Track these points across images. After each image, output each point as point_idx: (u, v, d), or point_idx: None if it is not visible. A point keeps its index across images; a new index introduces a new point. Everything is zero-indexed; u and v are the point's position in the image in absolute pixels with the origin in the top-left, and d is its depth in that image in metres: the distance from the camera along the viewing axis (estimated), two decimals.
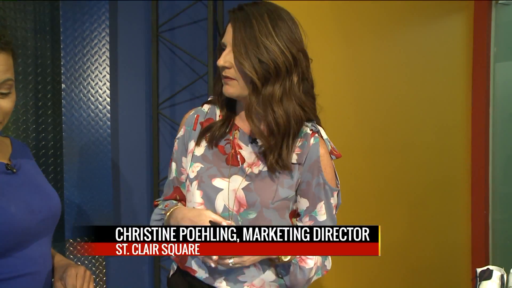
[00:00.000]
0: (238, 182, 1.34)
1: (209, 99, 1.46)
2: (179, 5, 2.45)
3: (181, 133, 1.43)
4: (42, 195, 1.19)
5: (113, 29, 2.34)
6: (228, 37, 1.29)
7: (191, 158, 1.38)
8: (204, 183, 1.34)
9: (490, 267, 1.44)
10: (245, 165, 1.35)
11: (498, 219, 3.72)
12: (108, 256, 2.37)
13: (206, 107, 1.44)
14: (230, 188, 1.33)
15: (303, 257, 1.34)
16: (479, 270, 1.45)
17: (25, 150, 1.28)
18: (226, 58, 1.29)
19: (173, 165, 1.45)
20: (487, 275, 1.41)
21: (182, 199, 1.44)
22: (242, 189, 1.33)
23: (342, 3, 2.93)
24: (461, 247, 3.83)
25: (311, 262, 1.36)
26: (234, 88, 1.31)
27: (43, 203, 1.17)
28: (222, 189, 1.34)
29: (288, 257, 1.31)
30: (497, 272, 1.43)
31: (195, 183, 1.35)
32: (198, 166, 1.36)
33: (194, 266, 1.38)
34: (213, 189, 1.34)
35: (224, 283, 1.35)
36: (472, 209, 3.83)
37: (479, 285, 1.41)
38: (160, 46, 2.46)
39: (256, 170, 1.35)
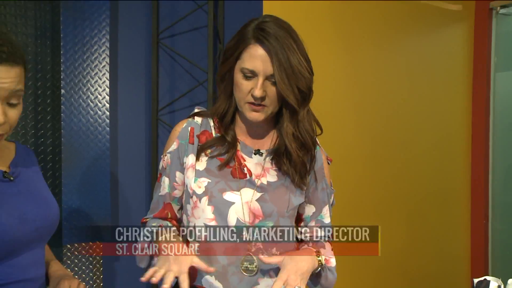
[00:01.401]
0: (249, 194, 1.34)
1: (196, 110, 1.45)
2: (179, 12, 2.46)
3: (173, 146, 1.39)
4: (39, 203, 1.18)
5: (113, 35, 2.34)
6: (260, 66, 1.26)
7: (194, 174, 1.35)
8: (215, 198, 1.33)
9: (488, 277, 1.43)
10: (253, 177, 1.36)
11: (497, 228, 3.71)
12: (106, 259, 2.36)
13: (198, 119, 1.41)
14: (243, 201, 1.33)
15: (327, 258, 1.37)
16: (476, 280, 1.44)
17: (29, 156, 1.28)
18: (263, 89, 1.28)
19: (165, 180, 1.41)
20: (484, 285, 1.40)
21: (174, 217, 1.42)
22: (256, 200, 1.34)
23: (342, 11, 2.95)
24: (460, 256, 3.82)
25: (333, 260, 1.39)
26: (265, 114, 1.32)
27: (39, 211, 1.17)
28: (234, 203, 1.33)
29: (323, 260, 1.34)
30: (494, 283, 1.42)
31: (204, 199, 1.33)
32: (204, 181, 1.34)
33: (205, 284, 1.34)
34: (225, 204, 1.33)
35: None
36: (471, 218, 3.82)
37: None
38: (160, 52, 2.47)
39: (265, 181, 1.36)
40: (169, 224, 1.39)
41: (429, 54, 3.50)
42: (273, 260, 1.30)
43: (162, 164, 1.43)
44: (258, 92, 1.26)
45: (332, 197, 1.48)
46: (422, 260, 3.60)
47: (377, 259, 3.35)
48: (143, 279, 1.16)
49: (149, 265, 1.36)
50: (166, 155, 1.41)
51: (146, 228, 1.37)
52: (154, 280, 1.16)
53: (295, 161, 1.33)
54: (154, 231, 1.33)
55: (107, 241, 2.34)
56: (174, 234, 1.31)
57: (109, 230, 2.29)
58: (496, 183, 3.71)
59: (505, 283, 1.44)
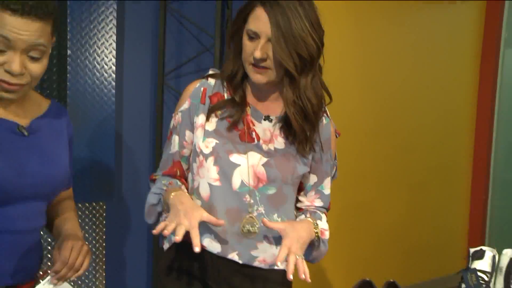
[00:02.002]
0: (256, 158, 1.36)
1: (210, 72, 1.45)
2: None
3: (185, 105, 1.41)
4: (45, 161, 1.19)
5: None
6: (262, 28, 1.27)
7: (203, 133, 1.37)
8: (221, 159, 1.34)
9: (483, 247, 1.46)
10: (261, 141, 1.37)
11: (496, 205, 3.74)
12: (109, 219, 2.40)
13: (211, 80, 1.42)
14: (248, 164, 1.35)
15: (322, 230, 1.39)
16: (472, 250, 1.47)
17: (59, 118, 1.28)
18: (263, 50, 1.28)
19: (175, 138, 1.43)
20: (480, 255, 1.43)
21: (182, 175, 1.44)
22: (262, 165, 1.35)
23: None
24: (459, 229, 3.86)
25: (327, 233, 1.42)
26: (267, 77, 1.32)
27: (42, 168, 1.17)
28: (239, 165, 1.35)
29: (319, 232, 1.37)
30: (489, 252, 1.45)
31: (210, 159, 1.35)
32: (212, 141, 1.36)
33: (204, 243, 1.36)
34: (230, 165, 1.34)
35: (236, 257, 1.37)
36: (471, 193, 3.85)
37: (471, 264, 1.43)
38: (168, 17, 2.45)
39: (272, 147, 1.38)
40: (178, 182, 1.41)
41: (438, 28, 3.47)
42: (276, 226, 1.32)
43: (173, 122, 1.45)
44: (257, 53, 1.27)
45: (335, 170, 1.49)
46: (420, 233, 3.64)
47: (376, 230, 3.40)
48: (155, 231, 1.18)
49: (157, 221, 1.39)
50: (177, 113, 1.43)
51: (156, 185, 1.40)
52: (166, 232, 1.17)
53: (294, 128, 1.34)
54: (164, 187, 1.35)
55: (111, 201, 2.38)
56: (183, 190, 1.33)
57: (114, 190, 2.33)
58: (498, 159, 3.72)
59: (500, 253, 1.47)
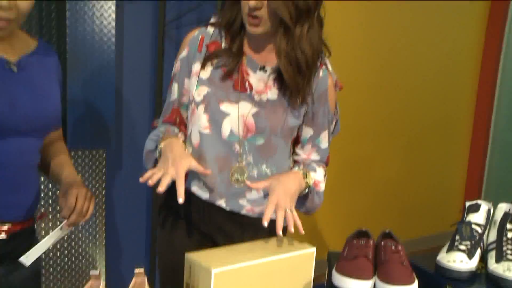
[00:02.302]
0: (247, 108, 1.35)
1: (212, 20, 1.42)
2: None
3: (184, 53, 1.41)
4: (36, 96, 1.18)
5: None
6: None
7: (196, 81, 1.37)
8: (211, 107, 1.35)
9: (479, 201, 1.47)
10: (253, 92, 1.36)
11: (494, 164, 3.76)
12: (110, 166, 2.42)
13: (210, 29, 1.40)
14: (239, 113, 1.35)
15: (316, 182, 1.39)
16: (468, 203, 1.48)
17: (48, 56, 1.27)
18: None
19: (175, 86, 1.43)
20: (475, 208, 1.45)
21: (181, 122, 1.44)
22: (252, 115, 1.35)
23: None
24: (456, 187, 3.90)
25: (323, 185, 1.42)
26: (262, 27, 1.29)
27: (33, 103, 1.16)
28: (229, 114, 1.35)
29: (311, 183, 1.36)
30: (485, 206, 1.46)
31: (201, 107, 1.35)
32: (204, 89, 1.36)
33: (194, 188, 1.40)
34: (220, 114, 1.35)
35: (224, 204, 1.39)
36: (470, 152, 3.86)
37: (466, 217, 1.45)
38: None
39: (264, 97, 1.36)
40: (176, 129, 1.42)
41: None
42: (259, 185, 1.32)
43: (174, 69, 1.44)
44: (252, 2, 1.24)
45: (335, 125, 1.47)
46: (418, 188, 3.68)
47: (373, 186, 3.43)
48: (141, 179, 1.19)
49: (154, 167, 1.40)
50: (177, 61, 1.43)
51: (154, 131, 1.41)
52: (150, 183, 1.18)
53: (286, 79, 1.32)
54: (160, 134, 1.36)
55: (111, 149, 2.39)
56: (176, 138, 1.33)
57: (113, 138, 2.34)
58: (499, 120, 3.72)
59: (495, 207, 1.48)
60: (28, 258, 1.13)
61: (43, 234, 2.16)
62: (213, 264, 1.10)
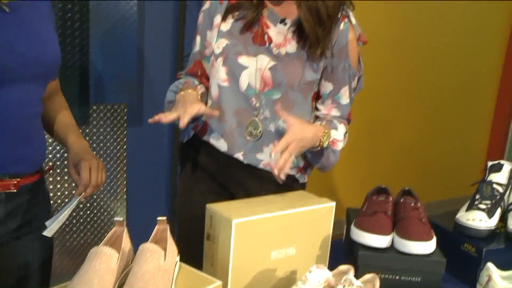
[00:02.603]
0: (265, 61, 1.34)
1: None
2: None
3: (206, 5, 1.41)
4: (34, 39, 1.12)
5: None
6: None
7: (217, 33, 1.37)
8: (230, 60, 1.34)
9: (502, 161, 1.46)
10: (272, 45, 1.35)
11: None
12: (131, 120, 2.44)
13: None
14: (257, 67, 1.34)
15: (334, 140, 1.39)
16: (490, 163, 1.47)
17: (40, 1, 1.19)
18: None
19: (198, 38, 1.44)
20: (497, 168, 1.43)
21: (203, 74, 1.45)
22: (269, 69, 1.34)
23: None
24: (478, 151, 3.86)
25: (341, 144, 1.41)
26: None
27: (31, 46, 1.10)
28: (247, 67, 1.34)
29: (327, 142, 1.35)
30: (507, 166, 1.45)
31: (220, 59, 1.36)
32: (224, 42, 1.36)
33: (212, 140, 1.42)
34: (238, 67, 1.34)
35: (241, 157, 1.40)
36: (494, 113, 3.80)
37: (487, 176, 1.44)
38: None
39: (283, 51, 1.35)
40: (196, 81, 1.42)
41: None
42: (286, 116, 1.28)
43: (198, 22, 1.44)
44: None
45: (357, 80, 1.44)
46: (438, 150, 3.65)
47: (393, 147, 3.41)
48: (150, 120, 1.18)
49: None
50: (200, 13, 1.43)
51: (174, 83, 1.42)
52: (156, 118, 1.18)
53: (306, 29, 1.29)
54: (179, 86, 1.36)
55: (132, 103, 2.41)
56: (193, 89, 1.32)
57: (135, 92, 2.35)
58: None
59: None
60: (50, 231, 1.14)
61: (51, 187, 2.20)
62: (234, 214, 1.12)
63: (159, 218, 1.05)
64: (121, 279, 0.94)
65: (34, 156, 1.16)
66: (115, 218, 1.02)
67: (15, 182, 1.09)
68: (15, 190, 1.10)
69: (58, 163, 2.24)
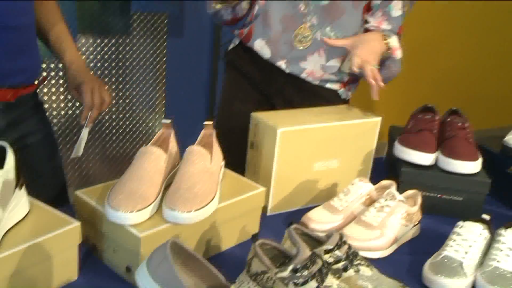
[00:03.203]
0: None
1: None
2: None
3: None
4: None
5: None
6: None
7: None
8: None
9: None
10: None
11: None
12: (171, 32, 2.41)
13: None
14: None
15: (393, 48, 1.33)
16: None
17: None
18: None
19: None
20: None
21: None
22: None
23: None
24: None
25: (399, 52, 1.36)
26: None
27: None
28: None
29: (391, 45, 1.30)
30: None
31: None
32: None
33: (257, 46, 1.39)
34: None
35: (284, 65, 1.38)
36: None
37: None
38: None
39: None
40: None
41: None
42: (340, 42, 1.28)
43: None
44: None
45: None
46: (488, 76, 3.52)
47: (439, 71, 3.30)
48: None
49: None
50: None
51: None
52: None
53: None
54: None
55: (173, 14, 2.36)
56: None
57: (176, 2, 2.30)
58: None
59: None
60: (77, 153, 1.18)
61: (46, 98, 2.18)
62: (279, 123, 1.11)
63: (205, 122, 1.05)
64: (168, 179, 0.96)
65: (31, 67, 1.14)
66: (163, 120, 1.03)
67: (13, 92, 1.08)
68: (13, 101, 1.09)
69: (53, 74, 2.20)
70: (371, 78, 1.19)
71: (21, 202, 0.83)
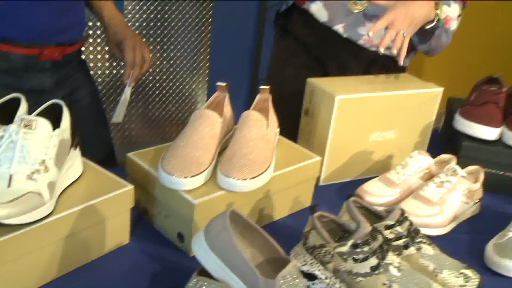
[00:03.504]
0: None
1: None
2: None
3: None
4: None
5: None
6: None
7: None
8: None
9: None
10: None
11: None
12: None
13: None
14: None
15: (448, 18, 1.24)
16: None
17: None
18: None
19: None
20: None
21: None
22: None
23: None
24: None
25: (455, 23, 1.26)
26: None
27: None
28: None
29: (442, 16, 1.21)
30: None
31: None
32: None
33: (313, 8, 1.32)
34: None
35: (341, 29, 1.31)
36: None
37: None
38: None
39: None
40: None
41: None
42: (381, 2, 1.17)
43: None
44: None
45: None
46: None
47: (505, 41, 3.12)
48: None
49: None
50: None
51: None
52: None
53: None
54: None
55: None
56: None
57: None
58: None
59: None
60: (118, 117, 1.17)
61: (88, 54, 2.15)
62: (337, 90, 1.06)
63: (261, 87, 1.01)
64: (222, 144, 0.93)
65: (77, 26, 1.13)
66: (218, 83, 0.99)
67: (60, 50, 1.07)
68: (60, 59, 1.08)
69: (91, 32, 2.17)
70: (383, 45, 1.10)
71: (75, 163, 0.81)
